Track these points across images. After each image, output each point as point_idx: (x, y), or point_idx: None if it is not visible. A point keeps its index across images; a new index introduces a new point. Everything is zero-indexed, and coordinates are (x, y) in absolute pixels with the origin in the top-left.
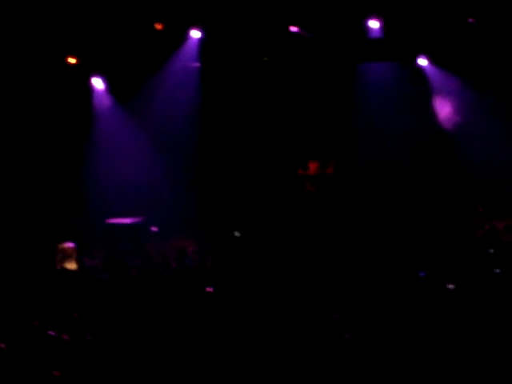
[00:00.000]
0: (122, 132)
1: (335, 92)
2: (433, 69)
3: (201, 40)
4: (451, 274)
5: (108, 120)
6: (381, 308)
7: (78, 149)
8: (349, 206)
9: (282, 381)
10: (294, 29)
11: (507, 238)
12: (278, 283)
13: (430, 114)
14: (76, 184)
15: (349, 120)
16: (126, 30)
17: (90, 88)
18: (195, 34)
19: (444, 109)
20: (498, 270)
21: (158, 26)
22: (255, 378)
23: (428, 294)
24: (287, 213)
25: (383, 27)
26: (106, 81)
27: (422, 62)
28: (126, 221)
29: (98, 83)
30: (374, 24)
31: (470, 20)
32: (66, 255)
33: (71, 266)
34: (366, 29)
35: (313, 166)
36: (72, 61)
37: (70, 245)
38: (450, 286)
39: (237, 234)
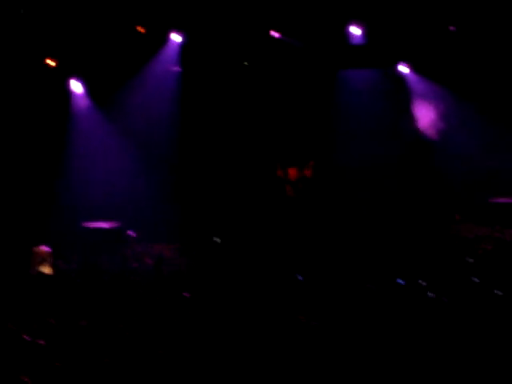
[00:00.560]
0: (101, 135)
1: (315, 97)
2: (413, 76)
3: (181, 44)
4: (430, 282)
5: (86, 123)
6: (357, 314)
7: (55, 151)
8: (327, 209)
9: None
10: (275, 34)
11: (486, 245)
12: (255, 289)
13: (410, 120)
14: (52, 187)
15: (328, 124)
16: (105, 32)
17: (68, 91)
18: (176, 37)
19: (424, 115)
20: (476, 279)
21: (141, 29)
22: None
23: (406, 302)
24: (267, 218)
25: (365, 34)
26: (85, 84)
27: (403, 69)
28: (103, 225)
29: (76, 86)
30: (355, 30)
31: (451, 28)
32: (41, 259)
33: (46, 270)
34: (348, 35)
35: (292, 172)
36: (51, 63)
37: (44, 249)
38: (430, 294)
39: (216, 239)
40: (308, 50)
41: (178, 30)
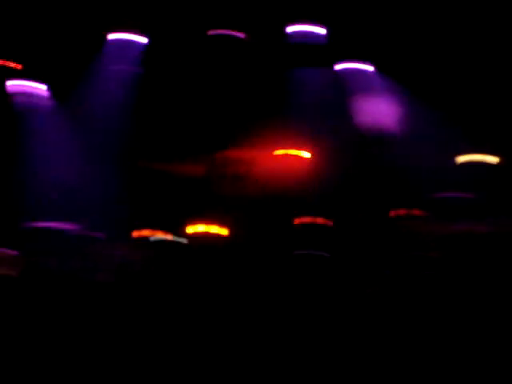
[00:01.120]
0: (56, 133)
1: (267, 96)
2: (370, 74)
3: (140, 44)
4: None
5: (40, 120)
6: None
7: (6, 150)
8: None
9: None
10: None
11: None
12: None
13: (363, 118)
14: (5, 187)
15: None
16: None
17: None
18: (135, 38)
19: (378, 114)
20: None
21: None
22: None
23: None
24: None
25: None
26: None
27: (361, 66)
28: (60, 225)
29: (16, 85)
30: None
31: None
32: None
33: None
34: (306, 34)
35: (229, 169)
36: None
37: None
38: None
39: (177, 238)
40: (261, 48)
41: (138, 31)
